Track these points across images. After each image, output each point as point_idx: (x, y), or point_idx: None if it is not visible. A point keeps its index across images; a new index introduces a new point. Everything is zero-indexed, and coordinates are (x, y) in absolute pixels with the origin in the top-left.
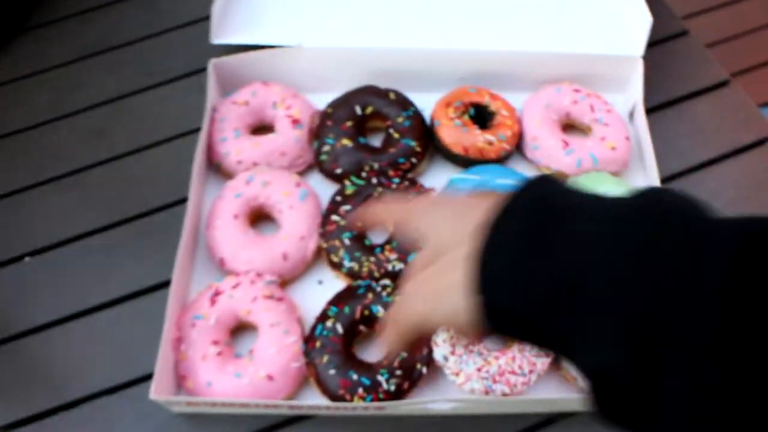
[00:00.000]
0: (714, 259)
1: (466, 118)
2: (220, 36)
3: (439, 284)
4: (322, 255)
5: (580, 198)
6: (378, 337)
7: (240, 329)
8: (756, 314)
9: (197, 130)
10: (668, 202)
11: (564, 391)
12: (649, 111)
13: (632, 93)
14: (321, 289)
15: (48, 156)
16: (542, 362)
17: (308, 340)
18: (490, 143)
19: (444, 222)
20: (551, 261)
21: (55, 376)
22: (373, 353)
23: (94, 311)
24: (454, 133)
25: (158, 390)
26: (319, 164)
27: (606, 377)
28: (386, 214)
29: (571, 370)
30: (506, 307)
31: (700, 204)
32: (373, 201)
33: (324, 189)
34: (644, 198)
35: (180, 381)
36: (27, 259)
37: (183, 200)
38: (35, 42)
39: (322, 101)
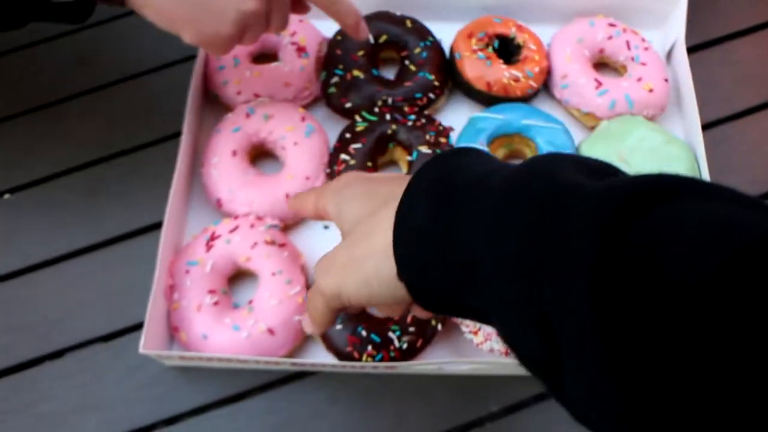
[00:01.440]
0: (585, 229)
1: (489, 50)
2: None
3: (350, 255)
4: None
5: (475, 173)
6: (304, 318)
7: (238, 277)
8: (626, 283)
9: (192, 57)
10: (551, 168)
11: None
12: (688, 51)
13: (672, 30)
14: (326, 234)
15: (25, 85)
16: None
17: None
18: (516, 79)
19: (352, 201)
20: (453, 240)
21: (39, 323)
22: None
23: (80, 254)
24: (477, 67)
25: (149, 343)
26: (326, 97)
27: (516, 348)
28: (304, 202)
29: None
30: (423, 286)
31: (582, 164)
32: (300, 195)
33: (332, 125)
34: (530, 166)
35: (173, 332)
36: (6, 196)
37: (176, 135)
38: None
39: (330, 28)
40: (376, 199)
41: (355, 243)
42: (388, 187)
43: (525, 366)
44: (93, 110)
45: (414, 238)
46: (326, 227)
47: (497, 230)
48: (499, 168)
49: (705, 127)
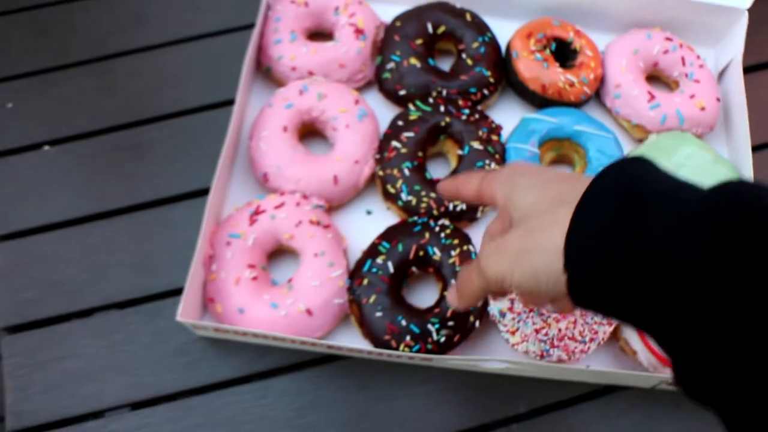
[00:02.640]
0: None
1: (547, 52)
2: None
3: (523, 246)
4: (374, 183)
5: (663, 185)
6: (451, 290)
7: (277, 254)
8: None
9: (248, 26)
10: (750, 198)
11: (619, 364)
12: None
13: (726, 48)
14: (369, 220)
15: (77, 36)
16: (604, 331)
17: (354, 275)
18: (571, 84)
19: (527, 191)
20: (637, 243)
21: (69, 280)
22: (422, 298)
23: (118, 214)
24: (533, 68)
25: (185, 312)
26: (380, 82)
27: (692, 356)
28: (466, 184)
29: (632, 342)
30: (591, 284)
31: None
32: (462, 176)
33: (383, 110)
34: (725, 192)
35: (207, 303)
36: (46, 147)
37: (223, 103)
38: None
39: (388, 13)
40: (553, 195)
41: (529, 235)
42: (567, 185)
43: (686, 371)
44: (142, 69)
45: (593, 240)
46: (369, 212)
47: (698, 246)
48: (685, 185)
49: (754, 149)
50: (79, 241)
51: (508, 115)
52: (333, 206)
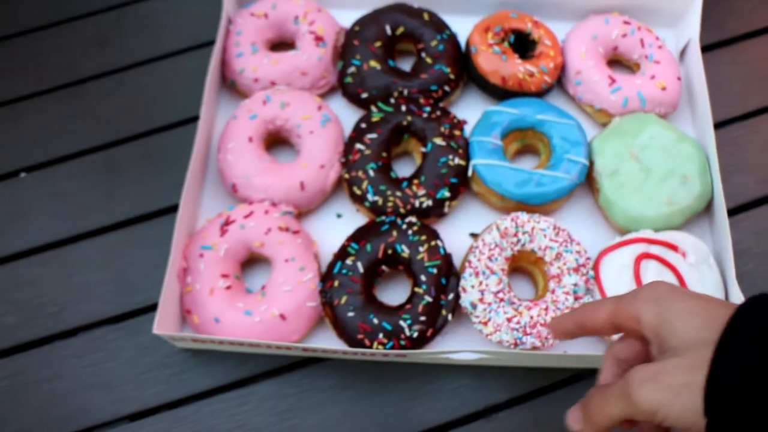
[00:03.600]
0: None
1: (505, 45)
2: None
3: (689, 379)
4: (342, 186)
5: None
6: (573, 412)
7: (251, 263)
8: None
9: (210, 43)
10: None
11: (594, 347)
12: (701, 50)
13: (686, 29)
14: (339, 223)
15: (46, 64)
16: None
17: (326, 278)
18: (531, 74)
19: (688, 317)
20: None
21: (52, 302)
22: (395, 296)
23: (94, 235)
24: (493, 61)
25: (162, 324)
26: (343, 87)
27: None
28: (594, 313)
29: None
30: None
31: None
32: (586, 305)
33: (347, 114)
34: None
35: (185, 315)
36: (23, 174)
37: (192, 119)
38: None
39: (348, 18)
40: (718, 324)
41: (696, 369)
42: (726, 311)
43: None
44: (112, 92)
45: (738, 383)
46: (339, 216)
47: None
48: None
49: (716, 125)
50: (59, 264)
51: (471, 110)
52: (303, 212)
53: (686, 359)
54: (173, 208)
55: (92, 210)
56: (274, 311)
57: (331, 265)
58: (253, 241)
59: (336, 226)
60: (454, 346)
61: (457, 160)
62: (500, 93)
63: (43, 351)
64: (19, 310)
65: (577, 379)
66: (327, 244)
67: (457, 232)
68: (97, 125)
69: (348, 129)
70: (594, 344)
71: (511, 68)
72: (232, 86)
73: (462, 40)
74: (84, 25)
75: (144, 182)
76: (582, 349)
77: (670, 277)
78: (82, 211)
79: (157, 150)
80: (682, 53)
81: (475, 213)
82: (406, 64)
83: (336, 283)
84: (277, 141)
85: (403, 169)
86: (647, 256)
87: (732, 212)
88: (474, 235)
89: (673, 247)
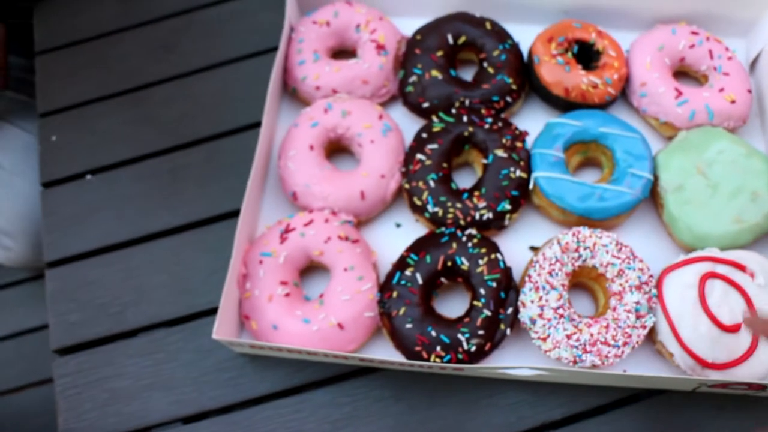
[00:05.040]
0: None
1: (569, 56)
2: None
3: None
4: (402, 196)
5: None
6: None
7: (310, 270)
8: None
9: (273, 49)
10: None
11: (657, 367)
12: None
13: (757, 38)
14: (398, 232)
15: (113, 69)
16: (638, 334)
17: (384, 288)
18: (595, 86)
19: None
20: None
21: (114, 302)
22: (453, 308)
23: (157, 237)
24: (556, 72)
25: (221, 330)
26: (404, 96)
27: None
28: None
29: (668, 345)
30: None
31: None
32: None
33: (408, 123)
34: None
35: (243, 320)
36: (89, 176)
37: (254, 125)
38: None
39: (409, 27)
40: None
41: None
42: None
43: None
44: (176, 97)
45: None
46: (398, 225)
47: None
48: None
49: None
50: (121, 265)
51: (534, 121)
52: (362, 221)
53: None
54: (234, 214)
55: (155, 213)
56: (332, 320)
57: (390, 276)
58: (312, 249)
59: (396, 235)
60: (512, 361)
61: (518, 173)
62: (563, 104)
63: (105, 350)
64: (83, 309)
65: (636, 399)
66: (386, 254)
67: (517, 246)
68: (161, 130)
69: (409, 138)
70: (656, 365)
71: (575, 79)
72: (293, 94)
73: (525, 50)
74: (152, 31)
75: (206, 187)
76: (643, 370)
77: (736, 298)
78: (145, 214)
79: (219, 155)
80: (753, 64)
81: (536, 226)
82: (467, 74)
83: (394, 294)
84: (338, 149)
85: (464, 181)
86: (713, 275)
87: None
88: (534, 249)
89: (741, 267)
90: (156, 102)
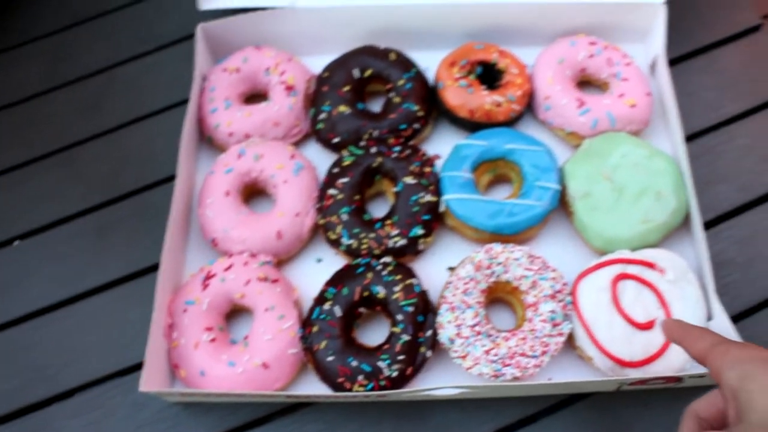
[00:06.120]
0: None
1: (472, 77)
2: (209, 0)
3: None
4: (321, 231)
5: None
6: None
7: (237, 313)
8: None
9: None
10: None
11: (579, 372)
12: (672, 62)
13: (653, 43)
14: (321, 267)
15: (41, 130)
16: (555, 342)
17: (305, 324)
18: (498, 104)
19: (764, 393)
20: None
21: (49, 365)
22: (376, 336)
23: (88, 296)
24: (459, 95)
25: (150, 381)
26: (316, 133)
27: None
28: (693, 340)
29: (586, 348)
30: None
31: None
32: (692, 330)
33: (323, 160)
34: None
35: (173, 369)
36: (17, 242)
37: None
38: (26, 10)
39: (319, 65)
40: None
41: None
42: None
43: None
44: (102, 154)
45: None
46: (319, 260)
47: None
48: None
49: (692, 136)
50: (55, 327)
51: (445, 144)
52: (283, 259)
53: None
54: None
55: (86, 272)
56: (256, 361)
57: (310, 311)
58: (233, 293)
59: (318, 271)
60: (438, 382)
61: (428, 197)
62: (470, 126)
63: (41, 414)
64: (19, 375)
65: (566, 405)
66: (309, 290)
67: (436, 268)
68: (90, 187)
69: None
70: (580, 369)
71: (478, 100)
72: (210, 142)
73: (431, 76)
74: (78, 89)
75: (135, 241)
76: (567, 376)
77: (649, 296)
78: (76, 273)
79: (146, 208)
80: (653, 67)
81: (452, 247)
82: (378, 106)
83: (315, 329)
84: (255, 192)
85: (381, 211)
86: (624, 276)
87: (713, 223)
88: (452, 269)
89: (651, 265)
90: (85, 160)
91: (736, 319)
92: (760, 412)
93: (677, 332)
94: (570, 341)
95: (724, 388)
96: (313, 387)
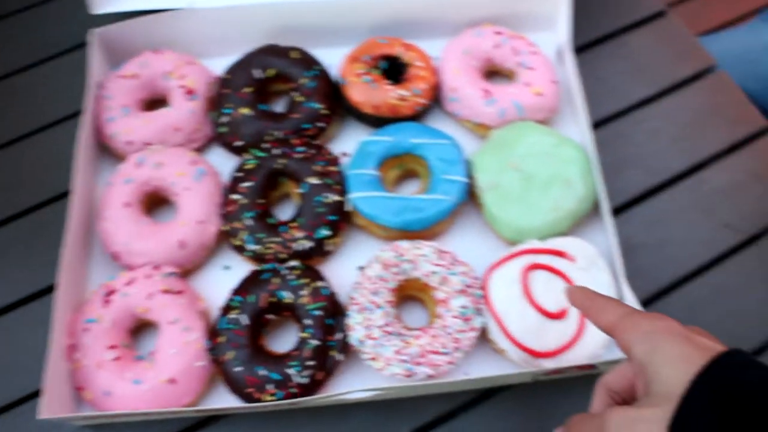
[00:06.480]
0: None
1: (376, 72)
2: (101, 4)
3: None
4: (226, 238)
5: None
6: None
7: (143, 328)
8: None
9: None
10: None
11: (497, 366)
12: (580, 49)
13: (560, 31)
14: (229, 275)
15: None
16: (468, 337)
17: (212, 335)
18: (404, 99)
19: (676, 363)
20: None
21: None
22: (286, 343)
23: None
24: (362, 91)
25: (52, 406)
26: (218, 137)
27: None
28: (601, 311)
29: (499, 341)
30: None
31: None
32: (598, 300)
33: (228, 165)
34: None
35: (78, 392)
36: None
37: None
38: None
39: (222, 67)
40: (686, 378)
41: (656, 420)
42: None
43: None
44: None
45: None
46: (227, 268)
47: None
48: None
49: (602, 122)
50: None
51: (353, 142)
52: (189, 269)
53: (664, 411)
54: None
55: None
56: (162, 376)
57: (217, 321)
58: (136, 308)
59: (226, 279)
60: (352, 385)
61: (333, 197)
62: (375, 121)
63: None
64: None
65: (486, 398)
66: (218, 299)
67: (347, 269)
68: None
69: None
70: (498, 363)
71: (382, 95)
72: (108, 152)
73: (336, 73)
74: None
75: (33, 261)
76: (485, 369)
77: (560, 285)
78: None
79: (42, 226)
80: (560, 55)
81: (363, 246)
82: (282, 106)
83: (222, 339)
84: (158, 202)
85: (289, 214)
86: (535, 266)
87: (624, 207)
88: (363, 269)
89: (561, 254)
90: None
91: (648, 301)
92: (664, 383)
93: (583, 301)
94: (485, 335)
95: (634, 360)
96: (224, 400)
